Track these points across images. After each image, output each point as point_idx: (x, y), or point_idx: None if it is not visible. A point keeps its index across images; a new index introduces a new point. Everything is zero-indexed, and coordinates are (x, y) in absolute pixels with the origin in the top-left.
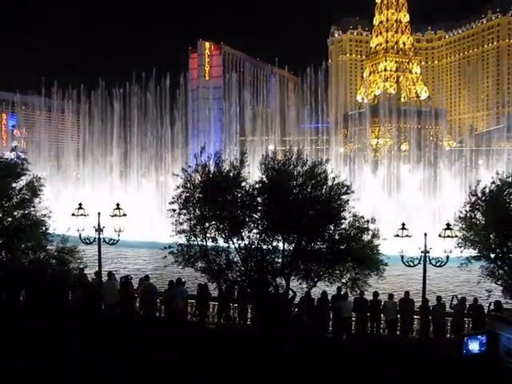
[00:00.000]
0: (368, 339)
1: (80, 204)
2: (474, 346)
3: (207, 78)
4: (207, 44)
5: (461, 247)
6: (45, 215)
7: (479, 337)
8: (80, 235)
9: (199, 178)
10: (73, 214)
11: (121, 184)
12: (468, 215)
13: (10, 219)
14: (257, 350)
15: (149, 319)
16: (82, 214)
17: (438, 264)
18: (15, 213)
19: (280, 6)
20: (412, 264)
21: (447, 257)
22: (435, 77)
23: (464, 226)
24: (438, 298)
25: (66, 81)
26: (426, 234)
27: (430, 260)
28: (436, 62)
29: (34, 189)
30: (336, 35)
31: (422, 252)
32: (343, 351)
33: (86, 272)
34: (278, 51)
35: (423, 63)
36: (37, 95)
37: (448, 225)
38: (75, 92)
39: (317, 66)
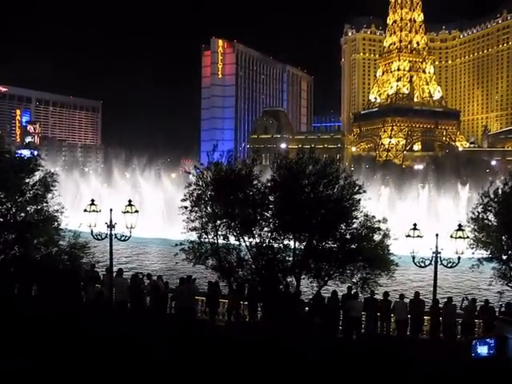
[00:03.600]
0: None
1: (92, 200)
2: (482, 349)
3: (220, 76)
4: (220, 42)
5: (472, 248)
6: (57, 211)
7: (488, 340)
8: (92, 231)
9: (211, 175)
10: (85, 210)
11: (133, 181)
12: (480, 216)
13: (23, 214)
14: (267, 348)
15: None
16: (93, 210)
17: (449, 265)
18: (28, 208)
19: (293, 4)
20: (423, 265)
21: (459, 258)
22: (449, 77)
23: (476, 227)
24: (449, 299)
25: (80, 77)
26: (437, 235)
27: (441, 261)
28: (450, 62)
29: (46, 184)
30: (349, 34)
31: (433, 253)
32: (353, 351)
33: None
34: (291, 49)
35: (437, 63)
36: (50, 91)
37: (460, 226)
38: (89, 88)
39: (330, 64)
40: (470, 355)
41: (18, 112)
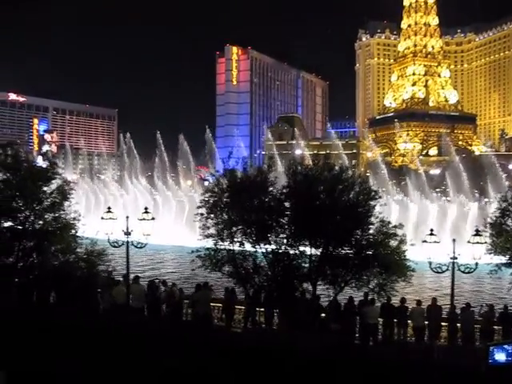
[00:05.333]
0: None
1: (109, 208)
2: (500, 356)
3: (234, 83)
4: (234, 49)
5: (490, 254)
6: (74, 218)
7: (506, 346)
8: (108, 239)
9: (227, 182)
10: (102, 218)
11: (148, 188)
12: (498, 221)
13: (40, 222)
14: (284, 355)
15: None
16: (110, 218)
17: (466, 271)
18: (46, 216)
19: (307, 10)
20: (440, 270)
21: (476, 263)
22: (465, 80)
23: (494, 232)
24: (467, 305)
25: (96, 86)
26: (454, 240)
27: (458, 266)
28: (466, 66)
29: (64, 192)
30: (363, 39)
31: (450, 258)
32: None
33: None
34: (305, 55)
35: (452, 67)
36: (67, 101)
37: (477, 231)
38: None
39: (344, 70)
40: (488, 362)
41: (35, 121)
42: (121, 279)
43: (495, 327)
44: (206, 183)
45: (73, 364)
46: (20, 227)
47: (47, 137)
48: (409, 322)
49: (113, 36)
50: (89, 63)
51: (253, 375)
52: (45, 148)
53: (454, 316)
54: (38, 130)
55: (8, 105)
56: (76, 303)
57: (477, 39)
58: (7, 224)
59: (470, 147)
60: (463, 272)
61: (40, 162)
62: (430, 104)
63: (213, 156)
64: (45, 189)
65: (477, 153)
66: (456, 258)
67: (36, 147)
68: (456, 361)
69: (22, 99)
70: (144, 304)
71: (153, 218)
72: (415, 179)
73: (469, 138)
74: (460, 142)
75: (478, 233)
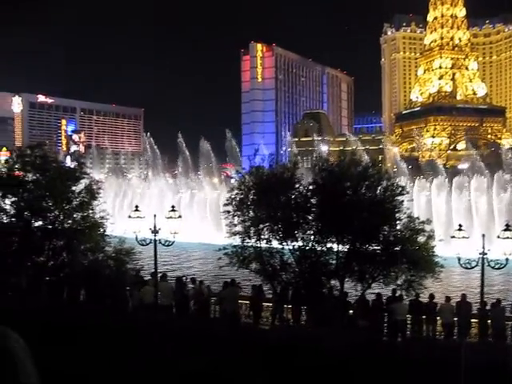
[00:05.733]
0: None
1: (136, 206)
2: None
3: (259, 80)
4: (259, 46)
5: None
6: (102, 217)
7: None
8: (136, 237)
9: (253, 179)
10: (129, 216)
11: (175, 186)
12: None
13: (70, 221)
14: (311, 352)
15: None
16: (138, 217)
17: (496, 266)
18: (75, 215)
19: (331, 5)
20: (469, 266)
21: (506, 259)
22: (493, 72)
23: None
24: (498, 301)
25: (122, 86)
26: (483, 235)
27: (488, 262)
28: (494, 57)
29: (92, 192)
30: (389, 33)
31: (479, 254)
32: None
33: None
34: (330, 51)
35: (480, 59)
36: (93, 101)
37: (507, 225)
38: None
39: (370, 65)
40: None
41: (63, 122)
42: (149, 277)
43: None
44: (232, 181)
45: (100, 362)
46: (50, 226)
47: (75, 137)
48: (438, 318)
49: (138, 36)
50: (115, 63)
51: (280, 372)
52: (73, 148)
53: (483, 312)
54: (66, 131)
55: (37, 106)
56: (105, 301)
57: (506, 30)
58: (38, 223)
59: (499, 140)
60: (493, 268)
61: (68, 162)
62: (458, 97)
63: (235, 156)
64: (73, 188)
65: (506, 146)
66: (486, 254)
67: (64, 147)
68: (485, 358)
69: (50, 101)
70: (172, 302)
71: (180, 216)
72: (442, 174)
73: (498, 132)
74: (489, 136)
75: (508, 227)
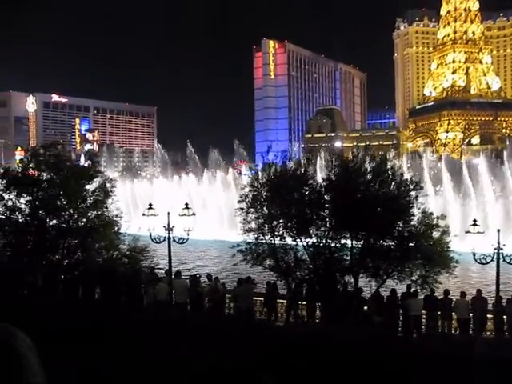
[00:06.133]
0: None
1: (150, 204)
2: None
3: (272, 77)
4: (271, 42)
5: None
6: (117, 215)
7: None
8: (150, 235)
9: (266, 176)
10: (143, 214)
11: (189, 183)
12: None
13: (84, 220)
14: (326, 348)
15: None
16: (152, 214)
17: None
18: (89, 214)
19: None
20: (484, 261)
21: None
22: (508, 66)
23: None
24: None
25: (135, 84)
26: (499, 230)
27: (503, 257)
28: (509, 51)
29: (106, 190)
30: (401, 28)
31: (494, 249)
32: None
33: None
34: (342, 46)
35: (494, 52)
36: (107, 100)
37: None
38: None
39: (382, 60)
40: None
41: (77, 121)
42: (163, 275)
43: None
44: (246, 178)
45: (114, 360)
46: (64, 225)
47: (89, 136)
48: (453, 314)
49: (151, 34)
50: (128, 62)
51: (295, 369)
52: (87, 147)
53: (499, 308)
54: (79, 130)
55: (51, 106)
56: (120, 299)
57: None
58: (52, 222)
59: None
60: (508, 263)
61: (82, 160)
62: (472, 92)
63: (246, 154)
64: (87, 187)
65: None
66: (501, 249)
67: (78, 146)
68: (499, 354)
69: (64, 100)
70: (187, 299)
71: (193, 214)
72: (457, 169)
73: None
74: (504, 130)
75: None
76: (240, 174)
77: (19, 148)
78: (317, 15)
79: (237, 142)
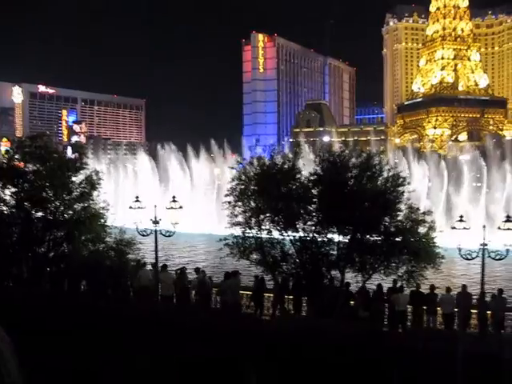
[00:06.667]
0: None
1: (137, 197)
2: None
3: (261, 71)
4: (260, 36)
5: None
6: (103, 208)
7: None
8: (137, 228)
9: (254, 170)
10: (130, 207)
11: (176, 177)
12: None
13: (70, 212)
14: (312, 342)
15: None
16: (138, 207)
17: (497, 257)
18: (75, 206)
19: None
20: (470, 257)
21: (507, 250)
22: (495, 63)
23: None
24: (500, 292)
25: (123, 76)
26: (484, 227)
27: (488, 253)
28: (496, 48)
29: (92, 182)
30: (391, 24)
31: (480, 245)
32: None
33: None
34: (332, 41)
35: (483, 50)
36: (95, 91)
37: (508, 217)
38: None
39: (371, 55)
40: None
41: (64, 112)
42: (150, 268)
43: None
44: (234, 171)
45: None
46: (50, 217)
47: (76, 127)
48: (438, 309)
49: (139, 26)
50: (115, 54)
51: (280, 362)
52: (74, 139)
53: (483, 303)
54: (67, 121)
55: (38, 97)
56: (106, 291)
57: (508, 20)
58: (38, 214)
59: (501, 132)
60: (493, 259)
61: (69, 152)
62: (460, 88)
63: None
64: (74, 179)
65: (508, 138)
66: (486, 245)
67: (65, 138)
68: (482, 348)
69: (51, 91)
70: (173, 292)
71: (180, 207)
72: (444, 165)
73: (500, 123)
74: (491, 127)
75: (509, 219)
76: (229, 167)
77: (5, 139)
78: (306, 9)
79: (224, 136)
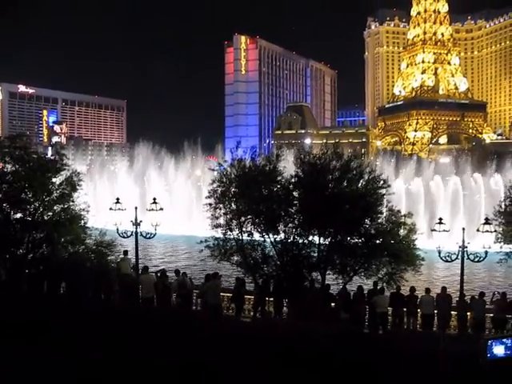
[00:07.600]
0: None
1: (117, 198)
2: (498, 350)
3: (243, 73)
4: (243, 38)
5: (500, 242)
6: (83, 209)
7: (505, 340)
8: (117, 229)
9: (235, 172)
10: (110, 209)
11: (157, 179)
12: (508, 209)
13: (50, 213)
14: (292, 344)
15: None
16: (119, 209)
17: (476, 259)
18: (55, 207)
19: None
20: (449, 259)
21: (486, 252)
22: (475, 68)
23: (504, 221)
24: (481, 294)
25: (104, 77)
26: (463, 229)
27: (467, 255)
28: (476, 53)
29: (73, 184)
30: (372, 27)
31: (459, 247)
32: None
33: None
34: (314, 44)
35: (462, 54)
36: (76, 92)
37: (487, 219)
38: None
39: (353, 58)
40: (486, 356)
41: (44, 113)
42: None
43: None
44: (215, 173)
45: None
46: (29, 219)
47: (56, 128)
48: (418, 310)
49: (123, 28)
50: (96, 55)
51: (261, 364)
52: (54, 139)
53: (462, 304)
54: (47, 122)
55: (17, 96)
56: (86, 293)
57: (487, 26)
58: (17, 216)
59: (480, 135)
60: (472, 261)
61: (49, 153)
62: (440, 92)
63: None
64: (54, 180)
65: (487, 141)
66: (466, 247)
67: (46, 139)
68: (461, 350)
69: (31, 91)
70: (153, 294)
71: (161, 209)
72: (424, 167)
73: (479, 126)
74: (470, 130)
75: (487, 221)
76: (210, 169)
77: None
78: (288, 12)
79: (207, 137)
